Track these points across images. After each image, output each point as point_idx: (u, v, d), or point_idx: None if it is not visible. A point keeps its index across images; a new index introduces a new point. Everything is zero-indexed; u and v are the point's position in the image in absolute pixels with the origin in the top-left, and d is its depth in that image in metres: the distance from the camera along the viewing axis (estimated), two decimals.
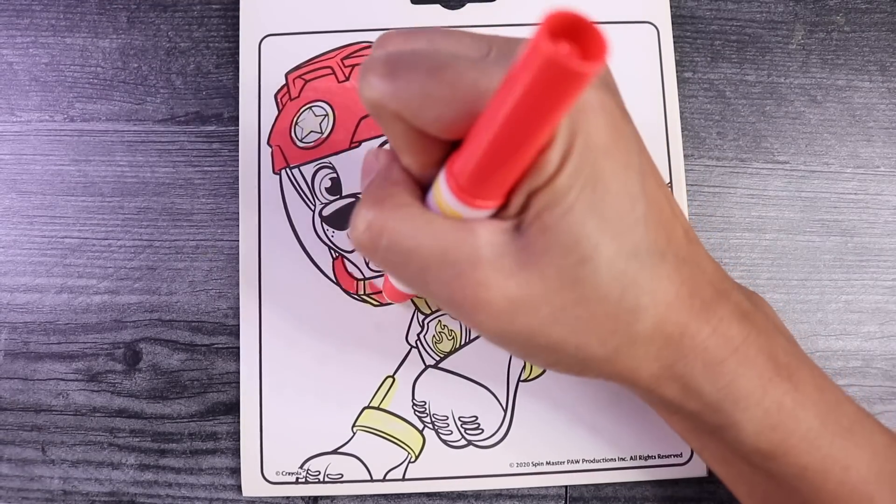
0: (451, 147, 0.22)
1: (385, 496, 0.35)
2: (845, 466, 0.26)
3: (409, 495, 0.35)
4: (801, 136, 0.37)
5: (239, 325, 0.35)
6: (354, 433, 0.34)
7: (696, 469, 0.34)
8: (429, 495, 0.35)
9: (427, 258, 0.23)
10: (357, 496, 0.34)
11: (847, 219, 0.36)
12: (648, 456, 0.34)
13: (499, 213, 0.23)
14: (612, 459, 0.34)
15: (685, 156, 0.37)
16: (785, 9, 0.38)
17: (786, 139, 0.37)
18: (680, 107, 0.37)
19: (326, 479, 0.34)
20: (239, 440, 0.35)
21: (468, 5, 0.37)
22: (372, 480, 0.34)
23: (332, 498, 0.35)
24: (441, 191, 0.22)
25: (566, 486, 0.35)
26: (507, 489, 0.34)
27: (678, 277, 0.24)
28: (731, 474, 0.29)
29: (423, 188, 0.24)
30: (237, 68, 0.37)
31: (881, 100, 0.37)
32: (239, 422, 0.35)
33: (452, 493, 0.35)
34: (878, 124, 0.37)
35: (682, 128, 0.36)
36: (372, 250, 0.23)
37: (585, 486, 0.35)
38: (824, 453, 0.26)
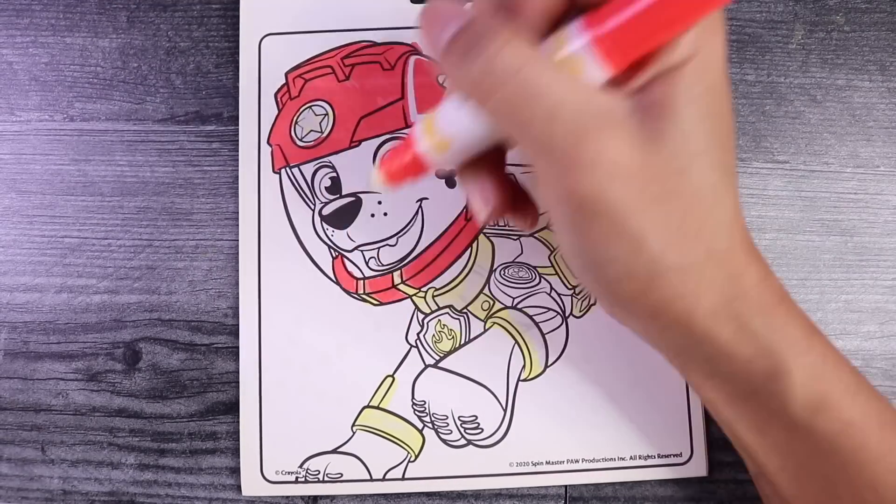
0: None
1: (385, 496, 0.34)
2: (883, 423, 0.27)
3: (409, 495, 0.35)
4: (801, 136, 0.37)
5: (238, 325, 0.35)
6: (354, 432, 0.34)
7: (696, 469, 0.34)
8: (428, 495, 0.35)
9: (558, 105, 0.23)
10: (357, 496, 0.34)
11: (847, 218, 0.36)
12: (648, 455, 0.34)
13: (620, 85, 0.23)
14: (611, 459, 0.34)
15: None
16: (784, 8, 0.38)
17: (785, 139, 0.37)
18: None
19: (326, 479, 0.34)
20: (238, 440, 0.35)
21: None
22: (371, 480, 0.34)
23: (332, 497, 0.35)
24: (572, 40, 0.23)
25: (566, 486, 0.35)
26: (507, 489, 0.34)
27: (741, 215, 0.26)
28: (766, 445, 0.29)
29: None
30: (237, 68, 0.37)
31: (881, 99, 0.37)
32: (238, 421, 0.35)
33: (452, 492, 0.35)
34: (878, 124, 0.37)
35: None
36: (500, 84, 0.23)
37: (585, 485, 0.35)
38: (864, 409, 0.27)
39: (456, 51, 0.24)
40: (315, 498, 0.35)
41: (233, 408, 0.35)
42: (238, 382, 0.35)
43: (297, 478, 0.34)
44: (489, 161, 0.28)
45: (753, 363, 0.26)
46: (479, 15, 0.24)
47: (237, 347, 0.35)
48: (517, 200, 0.30)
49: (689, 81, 0.23)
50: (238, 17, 0.37)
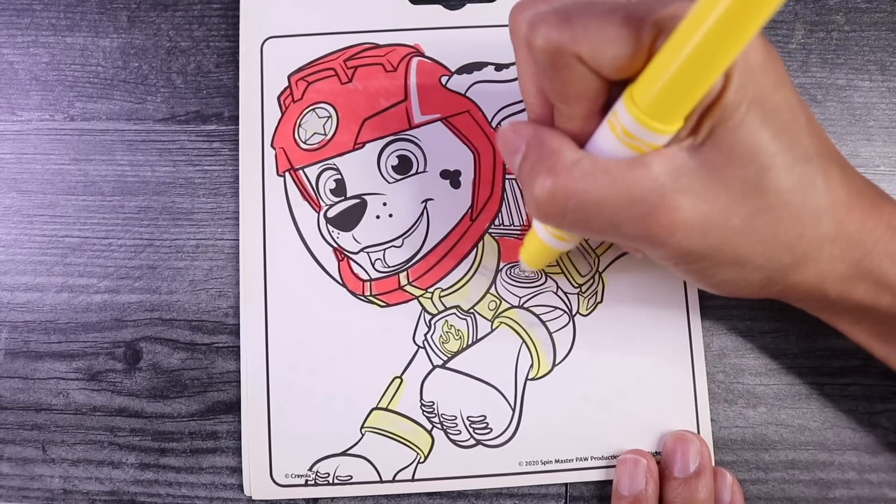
0: (610, 94, 0.24)
1: (395, 496, 0.34)
2: None
3: (419, 495, 0.34)
4: None
5: (239, 325, 0.35)
6: (363, 434, 0.34)
7: None
8: (429, 495, 0.35)
9: (615, 203, 0.24)
10: (367, 497, 0.34)
11: None
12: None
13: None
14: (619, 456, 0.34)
15: None
16: (785, 8, 0.38)
17: None
18: None
19: (336, 481, 0.34)
20: (240, 439, 0.35)
21: (468, 5, 0.37)
22: (381, 482, 0.34)
23: (340, 499, 0.34)
24: (622, 122, 0.23)
25: (566, 484, 0.35)
26: (508, 488, 0.34)
27: (844, 179, 0.26)
28: None
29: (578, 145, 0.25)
30: (238, 67, 0.37)
31: (881, 99, 0.37)
32: (239, 421, 0.34)
33: (452, 492, 0.35)
34: (878, 124, 0.37)
35: None
36: (560, 216, 0.25)
37: (586, 484, 0.35)
38: None
39: (523, 184, 0.26)
40: (316, 500, 0.35)
41: (233, 407, 0.35)
42: (239, 382, 0.35)
43: (306, 480, 0.34)
44: None
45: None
46: (533, 138, 0.26)
47: (238, 347, 0.35)
48: None
49: (733, 101, 0.23)
50: (239, 16, 0.37)
